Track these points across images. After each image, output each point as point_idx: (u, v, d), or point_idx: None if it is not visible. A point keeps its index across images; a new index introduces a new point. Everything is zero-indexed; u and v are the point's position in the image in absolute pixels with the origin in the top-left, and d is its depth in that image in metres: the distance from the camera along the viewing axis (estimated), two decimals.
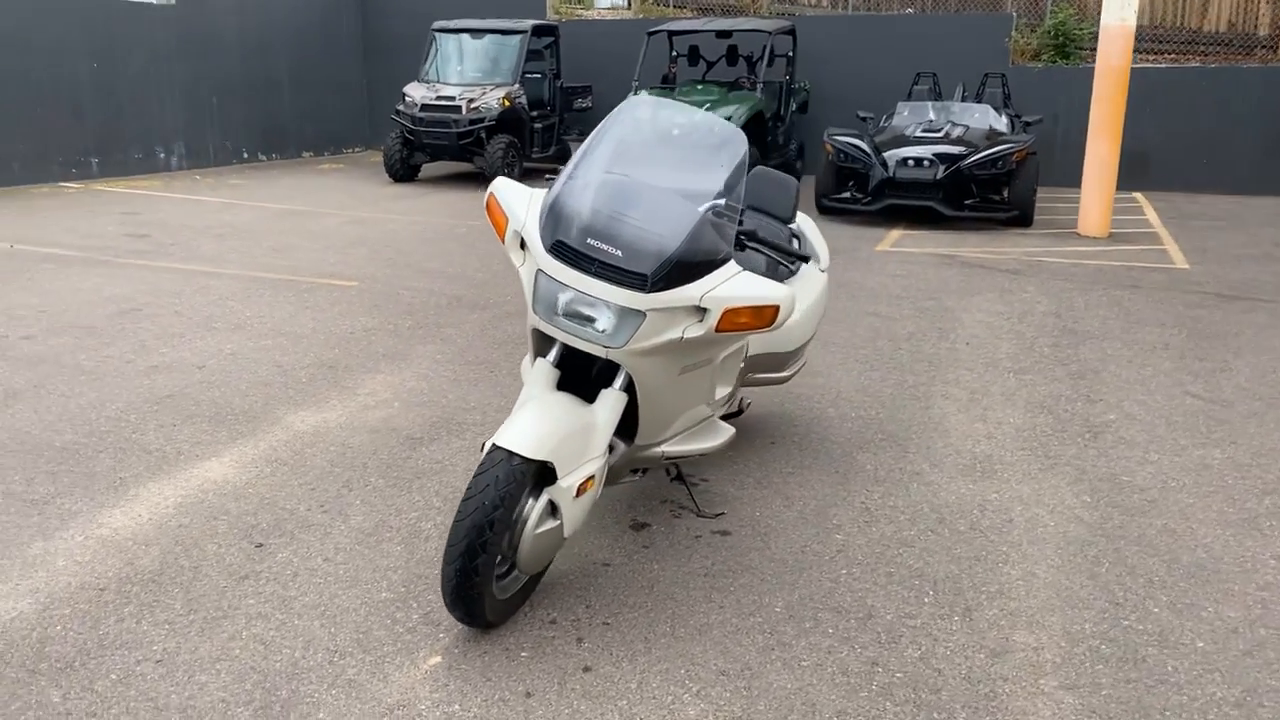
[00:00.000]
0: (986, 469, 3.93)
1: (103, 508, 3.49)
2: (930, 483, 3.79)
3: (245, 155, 14.37)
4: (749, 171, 4.18)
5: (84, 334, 5.61)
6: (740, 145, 2.83)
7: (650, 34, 12.25)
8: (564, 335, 2.68)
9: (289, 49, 14.91)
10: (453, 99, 12.33)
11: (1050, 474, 3.88)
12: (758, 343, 3.69)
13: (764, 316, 2.68)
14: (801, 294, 3.92)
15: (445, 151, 12.47)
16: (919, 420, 4.47)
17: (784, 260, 3.01)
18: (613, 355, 2.64)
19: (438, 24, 13.35)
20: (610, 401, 2.77)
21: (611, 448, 2.96)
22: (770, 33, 11.69)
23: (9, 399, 4.54)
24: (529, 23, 13.07)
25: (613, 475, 3.04)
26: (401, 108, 12.60)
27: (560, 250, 2.65)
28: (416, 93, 12.63)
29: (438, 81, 12.98)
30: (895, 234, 9.65)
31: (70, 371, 4.95)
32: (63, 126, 11.62)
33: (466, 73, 13.04)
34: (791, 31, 12.44)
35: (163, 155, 12.96)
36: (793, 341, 3.81)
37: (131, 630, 2.73)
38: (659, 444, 3.00)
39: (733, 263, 2.71)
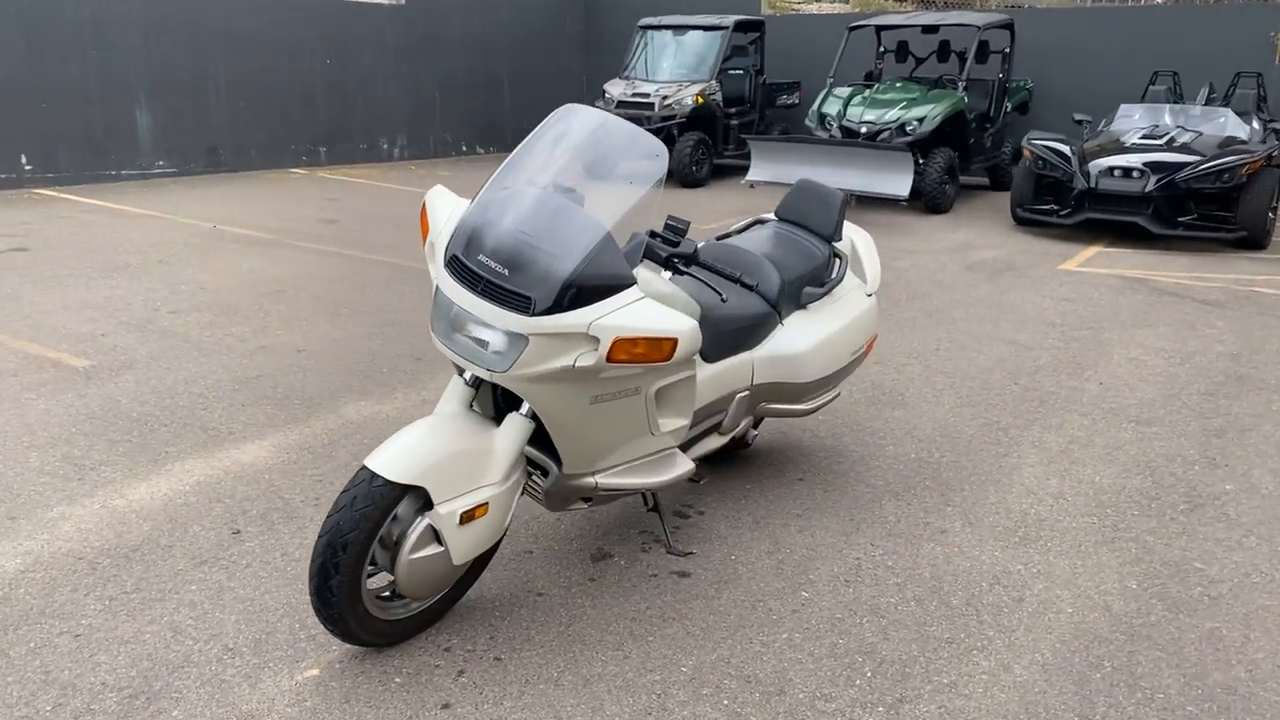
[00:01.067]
0: (1029, 535, 3.41)
1: (133, 479, 3.75)
2: (951, 544, 3.34)
3: (464, 148, 15.17)
4: (797, 183, 3.87)
5: (222, 312, 6.11)
6: (661, 162, 2.59)
7: (851, 29, 11.72)
8: (453, 355, 2.57)
9: (511, 46, 15.57)
10: (647, 96, 12.41)
11: (1105, 549, 3.32)
12: (764, 371, 3.41)
13: (662, 349, 2.45)
14: (831, 319, 3.58)
15: None
16: (985, 469, 3.96)
17: (718, 287, 2.72)
18: (498, 379, 2.49)
19: (644, 20, 13.47)
20: (513, 427, 2.63)
21: (546, 472, 2.82)
22: (980, 27, 10.85)
23: (122, 369, 5.01)
24: (732, 18, 12.90)
25: (557, 501, 2.89)
26: (599, 104, 12.82)
27: (454, 265, 2.54)
28: (615, 89, 12.82)
29: (638, 78, 13.11)
30: (1089, 252, 8.69)
31: (189, 347, 5.39)
32: (297, 118, 12.76)
33: (667, 69, 13.06)
34: (1009, 26, 11.49)
35: (385, 146, 13.93)
36: (809, 372, 3.48)
37: (76, 602, 2.91)
38: (590, 474, 2.82)
39: (635, 288, 2.49)
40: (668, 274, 3.18)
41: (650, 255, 2.65)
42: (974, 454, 4.13)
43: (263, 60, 12.22)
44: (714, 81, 12.65)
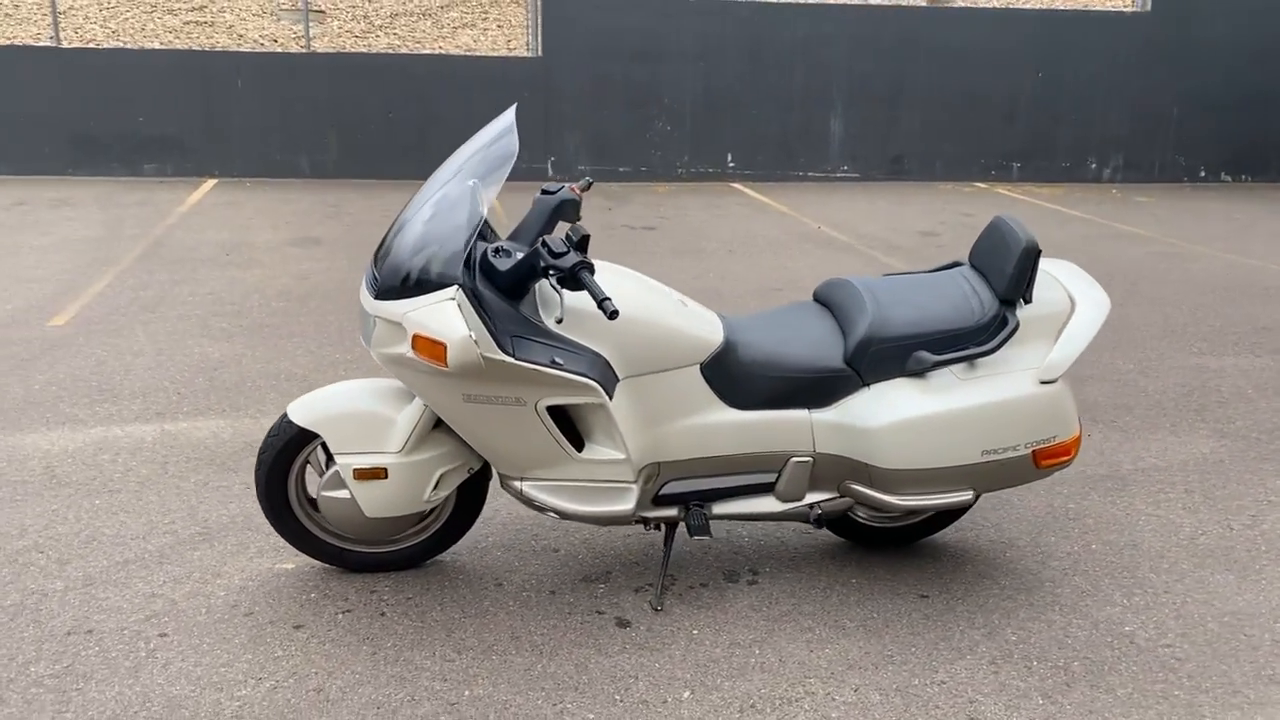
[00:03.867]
0: None
1: None
2: None
3: (1202, 174, 13.07)
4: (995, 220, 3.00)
5: (703, 300, 6.73)
6: (506, 152, 2.43)
7: None
8: (362, 328, 2.81)
9: None
10: None
11: None
12: (829, 438, 2.85)
13: (437, 353, 2.39)
14: (950, 397, 2.77)
15: None
16: (1222, 683, 2.57)
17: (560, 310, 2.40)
18: (370, 352, 2.69)
19: None
20: (414, 405, 2.78)
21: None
22: None
23: None
24: None
25: (519, 499, 2.90)
26: None
27: None
28: None
29: None
30: None
31: None
32: (992, 131, 12.52)
33: None
34: None
35: (1093, 166, 12.80)
36: (888, 456, 2.76)
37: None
38: (517, 480, 2.80)
39: (452, 289, 2.45)
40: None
41: (533, 263, 2.52)
42: (1236, 659, 2.66)
43: (964, 73, 12.27)
44: None
